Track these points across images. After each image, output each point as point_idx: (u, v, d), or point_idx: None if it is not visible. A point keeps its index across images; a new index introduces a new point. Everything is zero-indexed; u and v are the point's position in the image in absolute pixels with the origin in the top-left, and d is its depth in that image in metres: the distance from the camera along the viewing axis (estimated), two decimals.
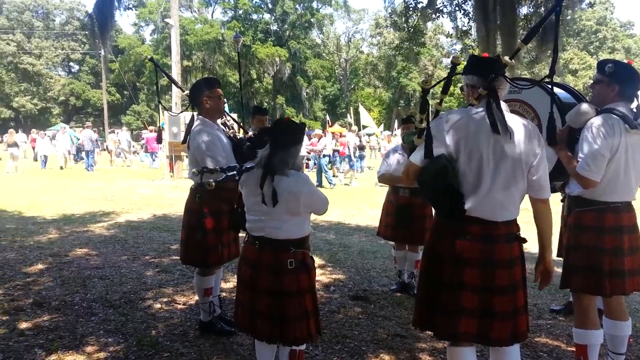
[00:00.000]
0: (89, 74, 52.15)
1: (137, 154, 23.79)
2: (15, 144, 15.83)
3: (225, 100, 3.18)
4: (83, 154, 17.62)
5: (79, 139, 18.90)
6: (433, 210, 2.12)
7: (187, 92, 3.23)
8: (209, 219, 3.01)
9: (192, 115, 3.07)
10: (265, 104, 47.49)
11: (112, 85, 50.05)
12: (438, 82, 2.13)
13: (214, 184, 2.09)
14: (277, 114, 41.37)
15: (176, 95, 15.65)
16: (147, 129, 31.74)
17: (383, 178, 4.10)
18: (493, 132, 1.91)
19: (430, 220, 4.16)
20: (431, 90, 2.49)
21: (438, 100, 2.14)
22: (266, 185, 2.28)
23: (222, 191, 2.92)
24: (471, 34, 8.01)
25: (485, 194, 1.95)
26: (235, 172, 2.29)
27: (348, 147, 16.38)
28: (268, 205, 2.25)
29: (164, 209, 8.56)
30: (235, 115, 3.65)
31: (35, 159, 16.02)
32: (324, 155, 13.13)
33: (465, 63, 2.08)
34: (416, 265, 4.22)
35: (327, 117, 38.35)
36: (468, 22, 7.95)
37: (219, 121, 3.20)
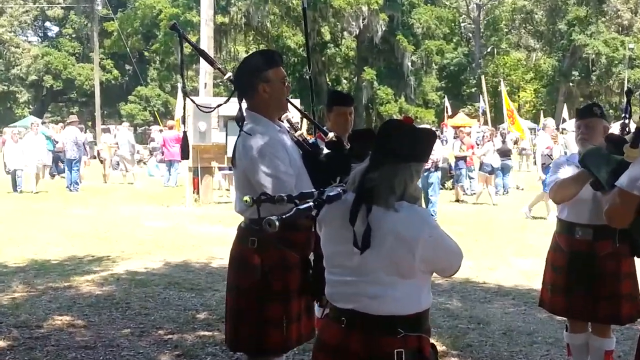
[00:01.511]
0: (72, 39, 56.39)
1: (145, 163, 25.13)
2: None
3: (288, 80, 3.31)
4: (64, 165, 18.98)
5: (56, 143, 20.39)
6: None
7: (229, 74, 3.36)
8: (270, 277, 3.14)
9: (240, 110, 3.22)
10: (346, 82, 48.46)
11: (107, 57, 53.64)
12: None
13: (277, 222, 2.16)
14: (363, 96, 41.92)
15: (207, 74, 16.46)
16: (160, 124, 33.57)
17: (556, 198, 4.02)
18: None
19: (632, 283, 4.02)
20: None
21: None
22: (359, 222, 2.35)
23: (290, 233, 3.03)
24: None
25: None
26: (311, 202, 2.36)
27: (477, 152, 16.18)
28: (361, 250, 2.34)
29: (185, 253, 8.91)
30: (297, 102, 3.78)
31: (8, 172, 17.16)
32: (436, 168, 12.46)
33: None
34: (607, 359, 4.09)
35: (447, 102, 38.27)
36: None
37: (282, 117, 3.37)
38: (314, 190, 2.49)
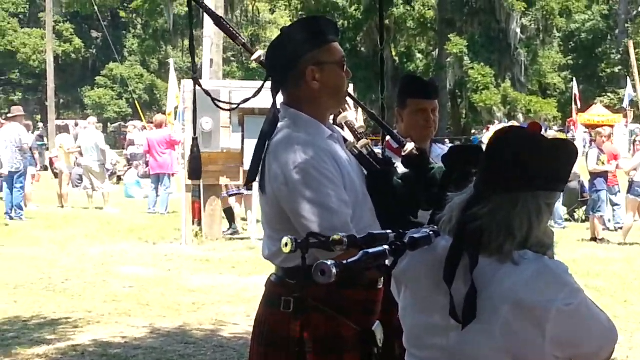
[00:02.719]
0: None
1: (120, 179, 25.15)
2: None
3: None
4: (1, 182, 19.22)
5: None
6: None
7: (260, 53, 3.42)
8: (313, 358, 3.15)
9: (273, 106, 3.26)
10: (421, 58, 48.17)
11: (65, 19, 54.38)
12: None
13: (334, 269, 2.13)
14: (447, 78, 41.77)
15: (213, 45, 16.56)
16: (142, 119, 33.79)
17: None
18: None
19: None
20: None
21: None
22: (459, 280, 2.36)
23: (346, 291, 3.09)
24: None
25: None
26: (387, 246, 2.35)
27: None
28: (462, 324, 2.34)
29: (182, 315, 8.94)
30: (349, 88, 3.82)
31: None
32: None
33: None
34: None
35: (575, 88, 37.88)
36: None
37: (331, 120, 3.40)
38: (388, 231, 2.48)
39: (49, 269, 11.58)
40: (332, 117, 3.47)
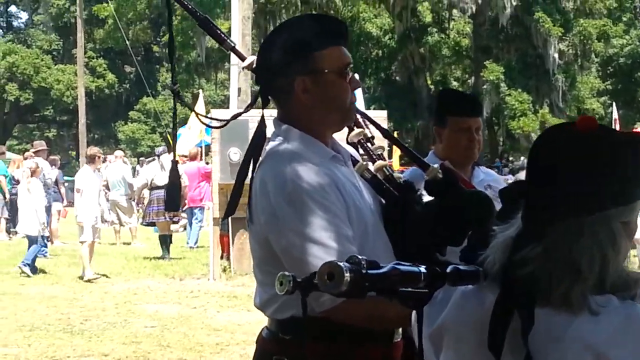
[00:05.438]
0: (48, 31, 58.31)
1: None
2: None
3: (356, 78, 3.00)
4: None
5: (16, 183, 20.60)
6: None
7: (251, 59, 3.14)
8: None
9: (261, 121, 2.90)
10: (457, 85, 48.25)
11: (98, 55, 55.16)
12: None
13: (348, 276, 1.78)
14: (484, 104, 41.50)
15: (241, 74, 16.43)
16: (170, 151, 34.06)
17: None
18: None
19: None
20: None
21: None
22: (510, 348, 1.94)
23: (360, 349, 2.75)
24: None
25: None
26: (420, 269, 1.97)
27: None
28: None
29: (204, 357, 8.76)
30: (383, 115, 3.42)
31: None
32: None
33: None
34: None
35: (615, 113, 37.58)
36: None
37: (338, 137, 3.01)
38: (419, 267, 2.00)
39: (69, 309, 11.44)
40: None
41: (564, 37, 42.54)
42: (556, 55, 42.25)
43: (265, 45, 2.95)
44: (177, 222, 20.15)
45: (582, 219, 1.91)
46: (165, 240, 17.48)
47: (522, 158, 40.88)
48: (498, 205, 3.08)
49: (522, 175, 15.29)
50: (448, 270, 1.99)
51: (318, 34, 2.88)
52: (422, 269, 1.94)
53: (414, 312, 2.26)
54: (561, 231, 1.92)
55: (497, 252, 2.00)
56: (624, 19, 52.14)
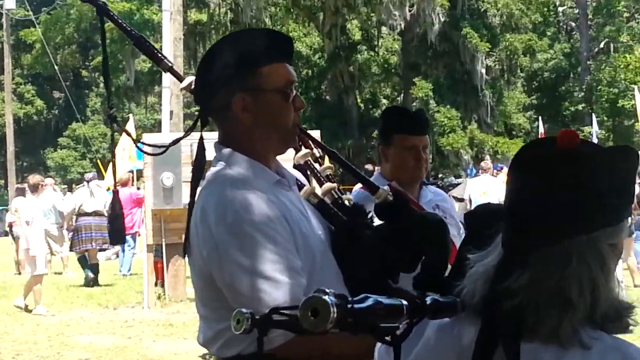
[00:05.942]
0: None
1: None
2: None
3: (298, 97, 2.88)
4: None
5: None
6: None
7: (189, 79, 3.02)
8: None
9: (200, 144, 2.80)
10: (386, 103, 48.50)
11: (26, 80, 54.53)
12: None
13: (333, 312, 1.65)
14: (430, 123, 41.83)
15: (173, 96, 16.28)
16: (103, 177, 33.90)
17: None
18: None
19: None
20: None
21: None
22: None
23: None
24: None
25: None
26: (402, 302, 1.85)
27: None
28: None
29: None
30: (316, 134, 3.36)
31: None
32: None
33: None
34: None
35: (541, 127, 38.09)
36: None
37: (283, 161, 2.88)
38: (401, 300, 1.88)
39: (0, 343, 11.24)
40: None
41: (491, 53, 43.00)
42: (483, 71, 42.66)
43: (207, 58, 2.83)
44: (104, 250, 19.99)
45: (568, 243, 1.82)
46: (93, 269, 17.40)
47: (452, 177, 41.21)
48: (449, 227, 3.01)
49: (454, 193, 15.10)
50: (427, 301, 1.89)
51: (267, 48, 2.77)
52: (404, 301, 1.82)
53: (376, 349, 2.14)
54: (547, 257, 1.83)
55: (477, 282, 1.91)
56: (548, 33, 53.08)
